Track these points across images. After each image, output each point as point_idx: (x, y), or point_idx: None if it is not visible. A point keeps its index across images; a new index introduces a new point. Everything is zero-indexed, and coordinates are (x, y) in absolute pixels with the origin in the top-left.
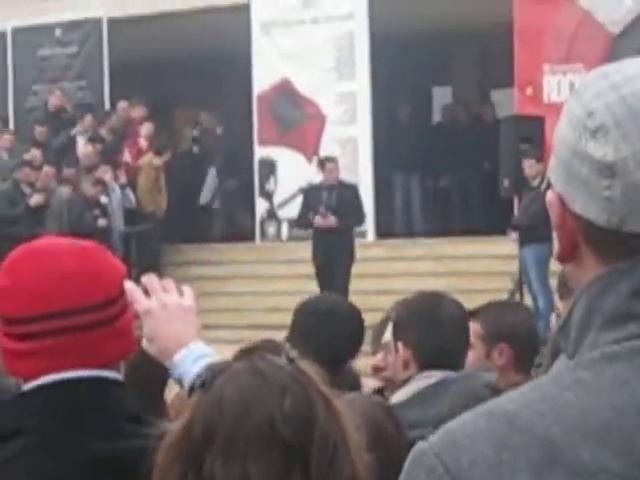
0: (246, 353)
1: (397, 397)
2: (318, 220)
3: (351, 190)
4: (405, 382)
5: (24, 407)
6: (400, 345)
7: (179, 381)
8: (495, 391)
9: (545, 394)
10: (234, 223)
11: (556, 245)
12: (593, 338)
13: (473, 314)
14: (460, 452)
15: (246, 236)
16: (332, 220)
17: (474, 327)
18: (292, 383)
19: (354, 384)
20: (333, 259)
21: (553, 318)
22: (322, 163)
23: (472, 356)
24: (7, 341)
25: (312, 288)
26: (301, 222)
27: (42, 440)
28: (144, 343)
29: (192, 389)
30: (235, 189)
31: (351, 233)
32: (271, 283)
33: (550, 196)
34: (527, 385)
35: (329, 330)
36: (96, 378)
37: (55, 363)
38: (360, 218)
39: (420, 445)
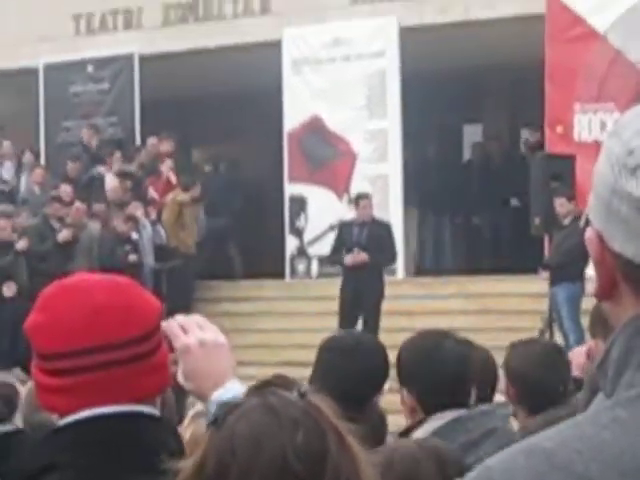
0: (258, 389)
1: (416, 436)
2: (348, 259)
3: (384, 228)
4: (420, 423)
5: (57, 443)
6: (405, 392)
7: None
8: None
9: (583, 432)
10: (264, 260)
11: (594, 283)
12: (630, 377)
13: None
14: None
15: (276, 273)
16: (363, 256)
17: None
18: (304, 417)
19: (379, 421)
20: (361, 296)
21: (570, 354)
22: (356, 200)
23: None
24: (42, 376)
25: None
26: (333, 258)
27: (77, 475)
28: (180, 379)
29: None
30: (266, 226)
31: (381, 271)
32: (301, 320)
33: (589, 233)
34: (565, 423)
35: (353, 366)
36: (131, 413)
37: (90, 398)
38: (392, 257)
39: None
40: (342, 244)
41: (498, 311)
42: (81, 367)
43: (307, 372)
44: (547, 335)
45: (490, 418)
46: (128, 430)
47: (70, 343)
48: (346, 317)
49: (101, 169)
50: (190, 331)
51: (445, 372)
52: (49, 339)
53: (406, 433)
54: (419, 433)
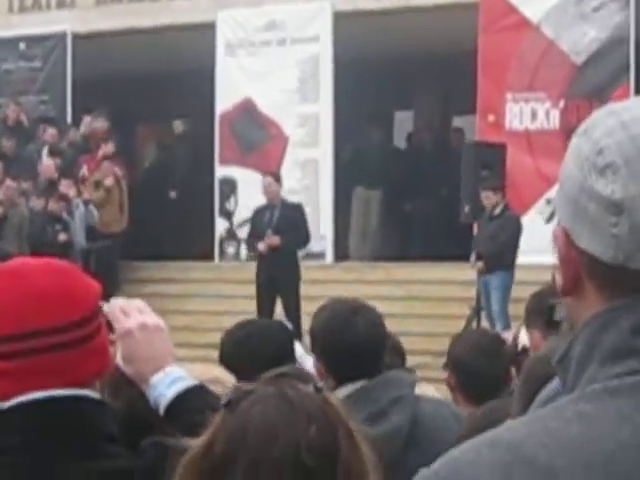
0: (274, 379)
1: None
2: (260, 245)
3: (295, 209)
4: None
5: (4, 426)
6: (314, 357)
7: (154, 403)
8: None
9: (547, 426)
10: (193, 241)
11: (559, 278)
12: (593, 372)
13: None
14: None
15: (205, 255)
16: (275, 239)
17: None
18: (318, 412)
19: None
20: (276, 279)
21: None
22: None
23: None
24: None
25: None
26: (248, 243)
27: (19, 458)
28: (120, 362)
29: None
30: (194, 207)
31: (295, 253)
32: (229, 303)
33: (556, 230)
34: (528, 416)
35: (251, 351)
36: (75, 397)
37: (32, 382)
38: (305, 238)
39: (424, 472)
40: (256, 229)
41: (425, 298)
42: (23, 350)
43: None
44: (475, 322)
45: (396, 386)
46: (73, 414)
47: (11, 327)
48: (262, 301)
49: (41, 147)
50: (131, 315)
51: (354, 340)
52: None
53: None
54: None
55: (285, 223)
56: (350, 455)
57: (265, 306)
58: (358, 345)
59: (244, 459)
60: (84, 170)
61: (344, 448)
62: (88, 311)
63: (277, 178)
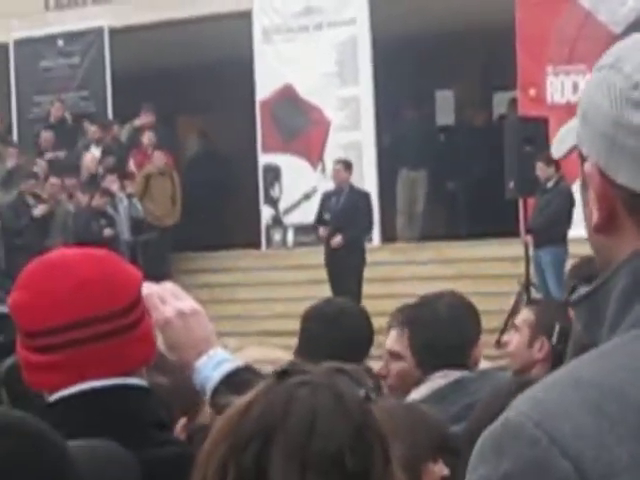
0: (331, 371)
1: (412, 396)
2: (322, 231)
3: (362, 197)
4: (419, 381)
5: (50, 419)
6: (408, 350)
7: (201, 387)
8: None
9: (620, 363)
10: (239, 230)
11: (594, 215)
12: None
13: (532, 302)
14: (560, 421)
15: (252, 243)
16: (336, 241)
17: (527, 313)
18: (364, 421)
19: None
20: (342, 264)
21: None
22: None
23: (516, 340)
24: (28, 354)
25: (319, 293)
26: (314, 227)
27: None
28: (163, 350)
29: (213, 396)
30: (239, 196)
31: (360, 239)
32: (279, 290)
33: (588, 168)
34: (593, 355)
35: (336, 334)
36: (122, 386)
37: (79, 373)
38: (367, 228)
39: (512, 418)
40: (322, 214)
41: (475, 276)
42: (69, 342)
43: (287, 341)
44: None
45: (491, 379)
46: (120, 403)
47: (56, 319)
48: (335, 286)
49: (84, 141)
50: (168, 302)
51: (436, 328)
52: (34, 316)
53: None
54: (420, 391)
55: (348, 209)
56: (385, 468)
57: (339, 292)
58: (439, 323)
59: (283, 440)
60: (132, 165)
61: (378, 470)
62: (131, 298)
63: (348, 165)
